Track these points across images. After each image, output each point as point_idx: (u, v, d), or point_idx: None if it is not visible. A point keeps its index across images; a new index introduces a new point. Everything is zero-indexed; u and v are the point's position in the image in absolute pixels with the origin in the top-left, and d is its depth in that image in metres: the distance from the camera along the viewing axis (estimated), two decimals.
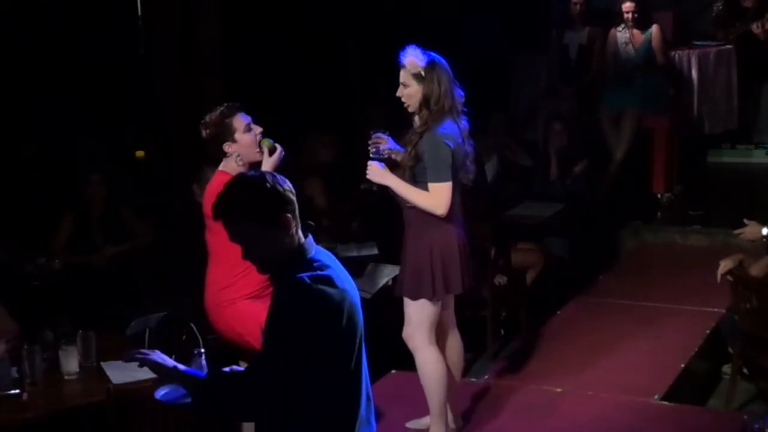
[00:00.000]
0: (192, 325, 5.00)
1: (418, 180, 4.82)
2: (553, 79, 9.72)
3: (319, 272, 3.03)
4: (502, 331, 7.18)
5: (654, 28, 8.95)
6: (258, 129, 4.88)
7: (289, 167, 4.91)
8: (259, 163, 4.83)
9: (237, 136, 4.82)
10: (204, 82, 8.55)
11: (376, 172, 4.87)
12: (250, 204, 3.05)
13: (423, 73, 4.78)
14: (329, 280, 3.03)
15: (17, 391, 4.51)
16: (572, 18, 9.43)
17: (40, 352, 4.62)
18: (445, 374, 5.00)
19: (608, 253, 8.48)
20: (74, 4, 8.21)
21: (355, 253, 6.68)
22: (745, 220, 6.06)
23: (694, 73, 9.41)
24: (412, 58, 4.82)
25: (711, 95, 9.53)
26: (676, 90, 9.28)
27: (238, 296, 4.79)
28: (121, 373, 4.59)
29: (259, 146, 4.85)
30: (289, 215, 3.06)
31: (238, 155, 4.82)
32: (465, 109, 4.94)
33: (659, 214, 8.86)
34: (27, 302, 5.94)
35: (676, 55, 9.42)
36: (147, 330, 5.28)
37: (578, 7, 9.34)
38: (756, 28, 9.37)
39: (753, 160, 10.35)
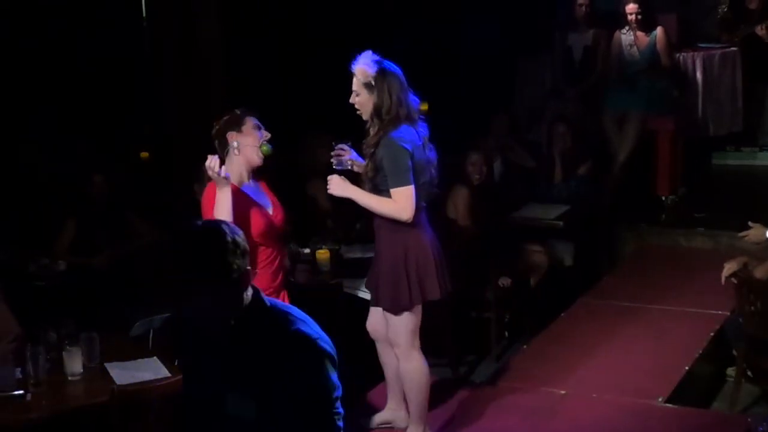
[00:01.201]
0: None
1: (380, 189, 4.78)
2: (557, 81, 9.75)
3: (299, 316, 2.85)
4: (506, 334, 7.21)
5: (658, 30, 8.99)
6: (267, 134, 4.87)
7: (290, 168, 4.96)
8: (257, 167, 4.83)
9: (244, 128, 4.81)
10: (204, 82, 8.58)
11: (338, 185, 4.84)
12: (210, 260, 2.71)
13: (373, 82, 4.73)
14: (313, 323, 2.87)
15: (21, 391, 4.53)
16: (577, 20, 9.46)
17: (44, 352, 4.64)
18: (428, 380, 5.03)
19: (612, 255, 8.50)
20: (75, 5, 8.21)
21: (359, 255, 6.68)
22: (750, 223, 6.10)
23: (699, 75, 9.44)
24: (362, 67, 4.76)
25: (716, 97, 9.56)
26: (681, 92, 9.31)
27: None
28: (125, 373, 4.63)
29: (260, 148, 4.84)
30: (250, 268, 2.80)
31: (238, 147, 4.77)
32: (422, 117, 4.89)
33: (663, 216, 8.86)
34: (30, 303, 5.94)
35: (681, 57, 9.45)
36: (151, 331, 5.30)
37: (583, 8, 9.38)
38: (760, 30, 9.40)
39: (757, 163, 10.35)
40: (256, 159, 4.81)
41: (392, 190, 4.70)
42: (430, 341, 6.44)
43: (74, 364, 4.70)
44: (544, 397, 5.76)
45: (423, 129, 4.87)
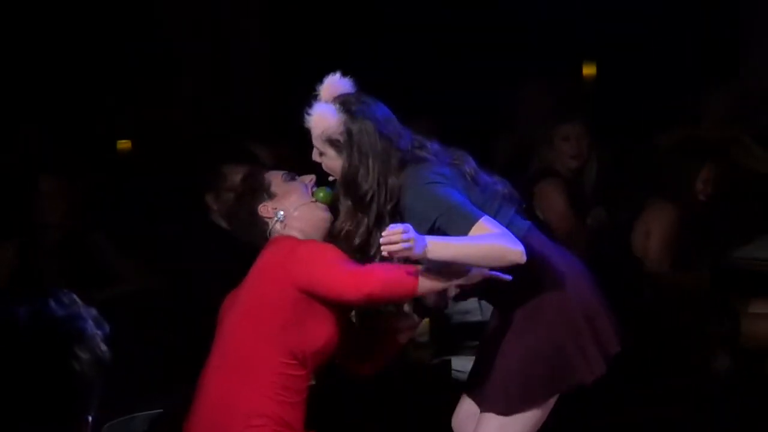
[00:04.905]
0: None
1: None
2: None
3: None
4: None
5: None
6: (308, 177, 5.07)
7: None
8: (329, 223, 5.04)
9: (274, 190, 5.01)
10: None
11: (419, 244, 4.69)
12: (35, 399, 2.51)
13: (341, 139, 4.83)
14: None
15: None
16: None
17: None
18: None
19: None
20: None
21: (479, 317, 6.47)
22: None
23: None
24: (322, 116, 4.83)
25: None
26: None
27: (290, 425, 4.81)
28: None
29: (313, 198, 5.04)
30: (90, 416, 2.62)
31: (284, 217, 4.95)
32: (457, 158, 5.01)
33: None
34: None
35: None
36: None
37: None
38: None
39: None
40: (320, 215, 4.98)
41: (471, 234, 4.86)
42: None
43: None
44: None
45: (469, 163, 5.05)
